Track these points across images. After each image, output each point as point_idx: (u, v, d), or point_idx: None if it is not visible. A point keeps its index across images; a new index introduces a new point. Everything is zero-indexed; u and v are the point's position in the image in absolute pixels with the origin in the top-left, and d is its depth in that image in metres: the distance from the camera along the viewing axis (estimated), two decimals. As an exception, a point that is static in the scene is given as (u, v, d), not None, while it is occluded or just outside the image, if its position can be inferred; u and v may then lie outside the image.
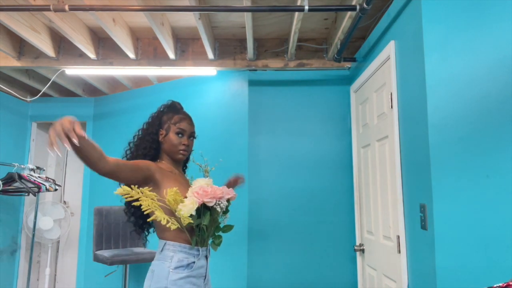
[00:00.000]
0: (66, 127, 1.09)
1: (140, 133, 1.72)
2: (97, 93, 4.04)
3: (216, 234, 1.62)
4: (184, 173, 1.84)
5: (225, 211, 1.65)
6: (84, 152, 1.23)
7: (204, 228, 1.53)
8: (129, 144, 1.71)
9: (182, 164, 1.81)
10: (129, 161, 1.51)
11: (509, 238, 1.48)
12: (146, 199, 1.43)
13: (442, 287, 1.50)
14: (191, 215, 1.49)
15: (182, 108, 1.78)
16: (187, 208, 1.48)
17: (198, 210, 1.50)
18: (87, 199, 3.80)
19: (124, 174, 1.40)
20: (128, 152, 1.70)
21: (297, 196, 2.91)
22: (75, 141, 1.11)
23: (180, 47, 2.99)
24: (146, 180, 1.49)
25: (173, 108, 1.74)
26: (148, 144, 1.67)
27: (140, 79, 3.73)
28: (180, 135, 1.66)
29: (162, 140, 1.68)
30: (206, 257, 1.61)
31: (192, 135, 1.71)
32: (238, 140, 2.99)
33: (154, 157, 1.68)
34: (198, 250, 1.56)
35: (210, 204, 1.51)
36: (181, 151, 1.65)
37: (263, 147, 2.98)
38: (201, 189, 1.51)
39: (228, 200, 1.62)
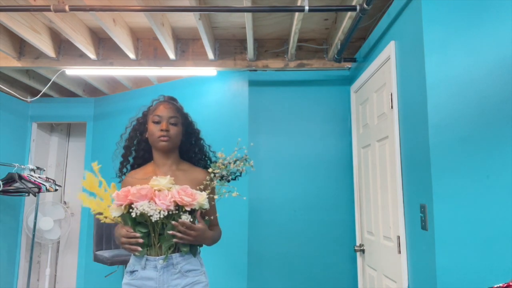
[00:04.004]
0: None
1: (125, 141, 1.63)
2: (97, 94, 4.04)
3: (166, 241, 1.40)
4: (204, 167, 1.64)
5: (223, 180, 1.54)
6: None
7: (145, 234, 1.39)
8: (125, 150, 1.63)
9: (191, 158, 1.64)
10: None
11: (509, 238, 1.48)
12: (92, 201, 1.49)
13: (442, 287, 1.50)
14: (122, 216, 1.40)
15: (167, 97, 1.64)
16: (112, 209, 1.40)
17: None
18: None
19: None
20: (124, 164, 1.63)
21: (297, 196, 2.91)
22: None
23: (180, 48, 2.99)
24: None
25: (155, 101, 1.63)
26: (138, 147, 1.61)
27: (140, 80, 3.73)
28: (157, 123, 1.52)
29: (147, 136, 1.56)
30: (167, 269, 1.41)
31: (172, 120, 1.53)
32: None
33: (148, 157, 1.61)
34: (145, 259, 1.40)
35: (138, 207, 1.34)
36: (160, 138, 1.49)
37: (263, 147, 2.98)
38: (128, 190, 1.36)
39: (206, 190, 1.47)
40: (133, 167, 1.64)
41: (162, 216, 1.32)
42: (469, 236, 1.51)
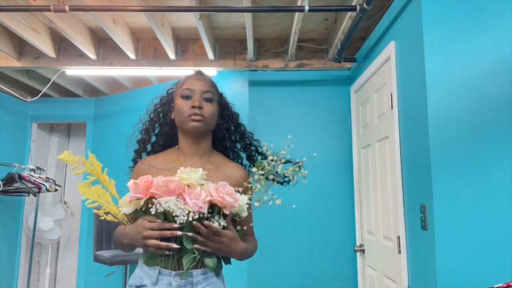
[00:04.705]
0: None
1: (144, 124, 1.34)
2: (97, 94, 4.04)
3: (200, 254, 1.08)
4: (250, 160, 1.33)
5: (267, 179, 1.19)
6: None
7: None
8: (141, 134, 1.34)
9: (228, 149, 1.34)
10: None
11: (509, 238, 1.48)
12: (93, 191, 1.13)
13: (442, 287, 1.50)
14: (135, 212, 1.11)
15: (198, 71, 1.34)
16: (123, 204, 1.10)
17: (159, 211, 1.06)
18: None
19: None
20: (141, 146, 1.33)
21: (297, 195, 2.91)
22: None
23: (180, 48, 2.99)
24: None
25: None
26: (160, 131, 1.32)
27: (140, 80, 3.73)
28: (187, 99, 1.22)
29: (174, 116, 1.26)
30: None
31: (207, 95, 1.23)
32: (238, 140, 2.99)
33: (170, 145, 1.32)
34: (157, 272, 1.09)
35: (159, 203, 1.05)
36: (192, 117, 1.18)
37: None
38: (151, 181, 1.07)
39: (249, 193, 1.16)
40: (149, 155, 1.33)
41: (191, 219, 1.03)
42: (469, 236, 1.51)
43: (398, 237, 1.91)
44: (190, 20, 2.65)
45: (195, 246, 1.05)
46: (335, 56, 2.71)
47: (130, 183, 1.07)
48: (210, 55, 2.86)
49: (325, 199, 2.90)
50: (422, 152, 1.65)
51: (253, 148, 1.34)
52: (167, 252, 1.05)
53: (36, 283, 4.04)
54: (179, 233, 1.03)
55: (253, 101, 3.03)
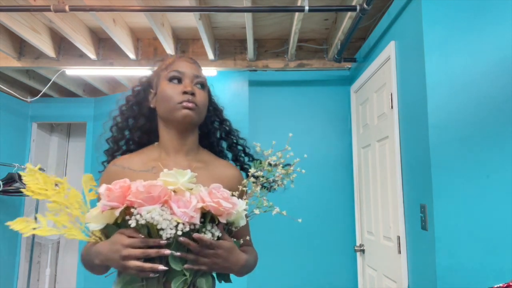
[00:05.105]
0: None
1: (116, 119, 1.13)
2: (98, 94, 4.04)
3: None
4: (244, 170, 1.14)
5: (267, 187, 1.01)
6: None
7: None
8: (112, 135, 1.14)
9: (215, 146, 1.16)
10: None
11: (509, 238, 1.48)
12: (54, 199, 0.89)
13: (442, 287, 1.49)
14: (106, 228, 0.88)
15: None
16: (93, 218, 0.86)
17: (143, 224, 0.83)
18: (87, 199, 3.79)
19: None
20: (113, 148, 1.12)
21: (297, 195, 2.91)
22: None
23: (180, 48, 2.99)
24: None
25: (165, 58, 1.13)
26: (135, 125, 1.10)
27: (140, 80, 3.73)
28: (176, 81, 1.02)
29: (155, 104, 1.05)
30: None
31: (199, 80, 1.05)
32: (238, 140, 2.99)
33: (146, 142, 1.11)
34: None
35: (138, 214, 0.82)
36: (184, 104, 0.98)
37: (263, 148, 2.97)
38: (128, 186, 0.85)
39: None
40: (122, 154, 1.11)
41: (181, 232, 0.82)
42: (469, 236, 1.51)
43: (398, 237, 1.91)
44: (190, 20, 2.65)
45: (186, 266, 0.84)
46: (335, 56, 2.71)
47: (102, 189, 0.85)
48: (210, 55, 2.86)
49: (325, 199, 2.90)
50: (422, 152, 1.65)
51: (240, 148, 1.18)
52: (151, 275, 0.82)
53: (36, 283, 4.04)
54: (167, 251, 0.81)
55: (253, 101, 3.03)
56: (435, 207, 1.54)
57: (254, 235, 1.19)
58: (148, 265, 0.81)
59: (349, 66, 2.93)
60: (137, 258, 0.81)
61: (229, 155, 1.19)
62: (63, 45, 2.97)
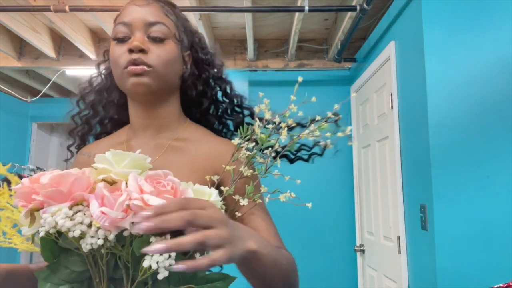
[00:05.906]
0: None
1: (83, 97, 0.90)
2: (97, 94, 4.04)
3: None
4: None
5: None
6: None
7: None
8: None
9: (203, 114, 0.87)
10: None
11: (509, 238, 1.48)
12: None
13: (443, 287, 1.50)
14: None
15: None
16: (22, 218, 0.60)
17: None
18: (87, 199, 3.79)
19: None
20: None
21: (297, 195, 2.91)
22: None
23: (180, 48, 2.99)
24: None
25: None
26: (109, 98, 0.86)
27: (140, 80, 3.73)
28: (121, 40, 0.74)
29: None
30: None
31: (155, 28, 0.73)
32: (238, 140, 2.99)
33: (126, 121, 0.84)
34: None
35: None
36: (128, 69, 0.70)
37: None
38: (37, 178, 0.58)
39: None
40: (98, 138, 0.89)
41: (99, 243, 0.53)
42: (469, 236, 1.51)
43: (398, 237, 1.91)
44: (190, 20, 2.64)
45: (144, 250, 0.45)
46: (335, 56, 2.71)
47: (17, 186, 0.59)
48: (210, 55, 2.86)
49: (325, 199, 2.90)
50: (422, 152, 1.65)
51: (246, 112, 0.91)
52: None
53: (36, 283, 4.04)
54: None
55: (253, 101, 3.03)
56: (435, 207, 1.54)
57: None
58: None
59: (349, 66, 2.93)
60: None
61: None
62: (63, 45, 2.97)
